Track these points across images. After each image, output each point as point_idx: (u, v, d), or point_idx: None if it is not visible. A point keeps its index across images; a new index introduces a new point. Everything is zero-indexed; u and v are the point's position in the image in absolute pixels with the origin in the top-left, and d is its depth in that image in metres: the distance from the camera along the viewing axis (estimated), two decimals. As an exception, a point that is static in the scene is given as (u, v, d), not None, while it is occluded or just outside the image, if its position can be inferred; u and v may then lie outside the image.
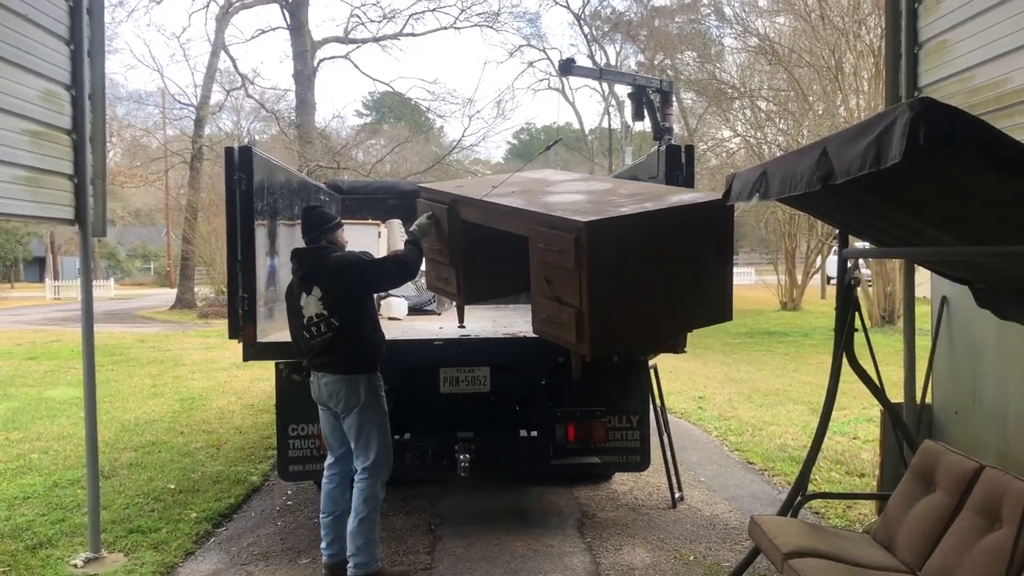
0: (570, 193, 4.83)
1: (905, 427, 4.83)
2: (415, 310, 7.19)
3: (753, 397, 10.81)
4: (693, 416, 9.63)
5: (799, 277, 26.33)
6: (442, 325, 6.27)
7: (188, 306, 29.72)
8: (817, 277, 28.67)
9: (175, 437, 8.56)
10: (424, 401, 5.48)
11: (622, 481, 6.68)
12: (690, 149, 5.26)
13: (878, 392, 4.58)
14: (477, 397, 5.43)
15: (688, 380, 12.20)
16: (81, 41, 5.03)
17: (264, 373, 11.81)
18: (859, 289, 4.55)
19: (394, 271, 4.80)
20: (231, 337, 5.11)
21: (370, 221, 7.69)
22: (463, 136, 35.38)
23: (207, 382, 12.56)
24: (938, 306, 5.56)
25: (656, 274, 4.09)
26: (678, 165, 5.16)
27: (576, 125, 48.14)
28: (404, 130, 38.67)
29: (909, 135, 2.30)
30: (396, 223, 8.01)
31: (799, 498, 4.49)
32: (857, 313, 4.42)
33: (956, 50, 4.85)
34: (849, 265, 4.48)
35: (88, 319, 5.12)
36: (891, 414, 4.82)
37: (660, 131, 7.79)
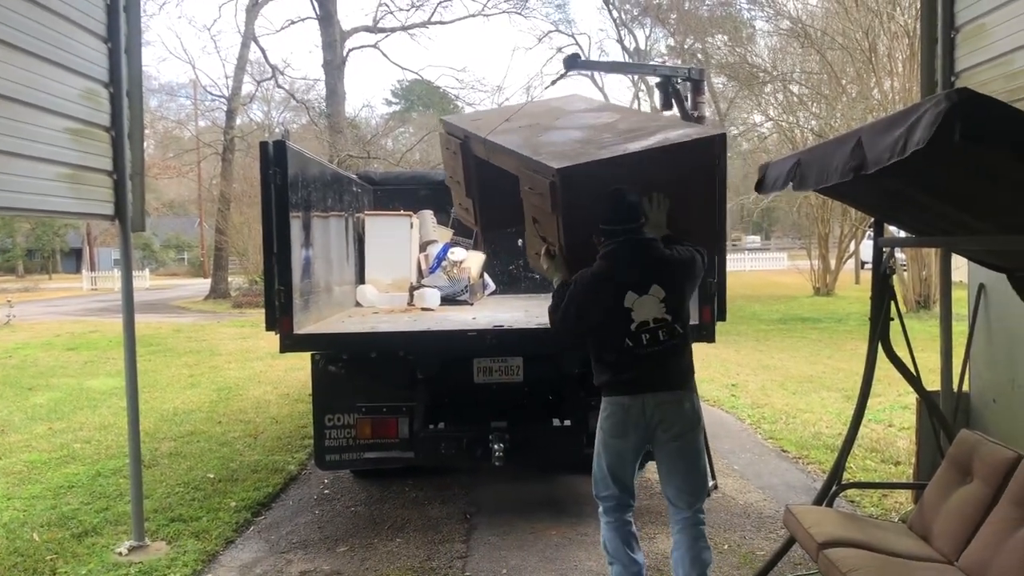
0: (572, 128, 4.93)
1: (941, 416, 4.79)
2: (448, 300, 7.23)
3: (786, 384, 10.75)
4: (726, 404, 9.60)
5: (832, 262, 26.05)
6: (475, 315, 6.30)
7: (222, 296, 30.08)
8: (851, 262, 28.33)
9: (213, 427, 8.71)
10: (458, 391, 5.52)
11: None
12: (722, 137, 5.22)
13: (914, 381, 4.56)
14: (511, 387, 5.45)
15: (721, 367, 12.16)
16: (118, 38, 5.10)
17: (299, 363, 11.93)
18: (895, 275, 4.52)
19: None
20: (268, 329, 5.17)
21: (402, 212, 7.73)
22: (492, 124, 35.13)
23: (243, 372, 12.73)
24: (975, 293, 5.49)
25: None
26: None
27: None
28: (433, 118, 38.71)
29: (942, 126, 2.29)
30: (428, 214, 8.05)
31: (835, 487, 4.47)
32: (893, 301, 4.39)
33: (994, 34, 4.77)
34: (885, 253, 4.45)
35: (129, 312, 5.22)
36: (927, 403, 4.78)
37: (688, 120, 7.65)
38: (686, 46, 31.50)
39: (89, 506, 6.00)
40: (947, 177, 3.18)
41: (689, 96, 6.08)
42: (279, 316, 5.09)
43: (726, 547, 5.07)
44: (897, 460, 6.77)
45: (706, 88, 6.63)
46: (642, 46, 37.39)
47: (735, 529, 5.40)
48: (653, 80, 8.14)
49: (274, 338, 5.20)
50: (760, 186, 4.02)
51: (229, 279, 31.68)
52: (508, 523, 5.52)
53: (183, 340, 17.43)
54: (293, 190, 5.19)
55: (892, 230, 5.01)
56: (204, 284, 35.16)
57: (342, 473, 6.55)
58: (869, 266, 4.49)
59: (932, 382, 5.14)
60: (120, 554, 5.03)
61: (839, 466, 4.50)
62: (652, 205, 4.01)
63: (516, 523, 5.52)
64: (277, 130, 32.91)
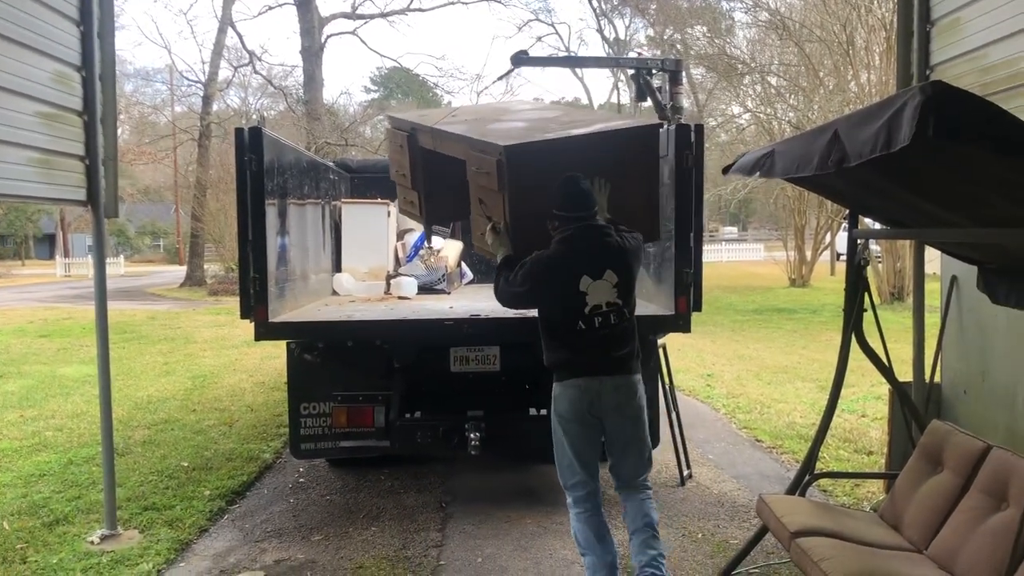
0: (517, 121, 5.17)
1: (913, 406, 4.84)
2: (425, 289, 7.22)
3: (761, 374, 10.83)
4: (701, 394, 9.66)
5: (808, 254, 26.23)
6: (452, 304, 6.29)
7: (198, 283, 29.83)
8: (827, 254, 28.56)
9: (187, 415, 8.64)
10: (435, 380, 5.51)
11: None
12: (700, 128, 5.25)
13: (887, 372, 4.60)
14: (487, 376, 5.45)
15: (696, 358, 12.22)
16: (91, 21, 5.02)
17: (275, 351, 11.86)
18: (868, 266, 4.55)
19: None
20: (243, 317, 5.14)
21: (379, 200, 7.69)
22: (471, 112, 35.00)
23: (218, 360, 12.64)
24: (948, 285, 5.55)
25: None
26: (687, 144, 5.14)
27: (585, 100, 47.88)
28: (412, 106, 38.52)
29: (919, 120, 2.29)
30: (405, 202, 8.02)
31: (807, 477, 4.51)
32: (866, 293, 4.43)
33: (970, 28, 4.81)
34: (859, 245, 4.48)
35: (102, 299, 5.16)
36: (899, 393, 4.83)
37: (662, 112, 7.51)
38: (665, 36, 31.52)
39: (61, 494, 5.93)
40: (919, 169, 3.20)
41: (667, 87, 6.10)
42: (254, 304, 5.06)
43: (700, 536, 5.11)
44: (869, 450, 6.84)
45: (684, 79, 6.63)
46: (622, 36, 37.37)
47: (709, 518, 5.44)
48: (631, 71, 8.13)
49: (249, 326, 5.16)
50: (728, 170, 4.07)
51: (205, 266, 31.39)
52: (483, 512, 5.53)
53: (158, 327, 17.28)
54: (269, 177, 5.14)
55: (867, 222, 5.04)
56: (180, 271, 34.83)
57: (317, 462, 6.53)
58: (844, 257, 4.52)
59: (904, 373, 5.19)
60: (92, 543, 4.99)
61: (812, 456, 4.54)
62: (594, 188, 4.19)
63: (491, 512, 5.52)
64: (254, 116, 32.60)
